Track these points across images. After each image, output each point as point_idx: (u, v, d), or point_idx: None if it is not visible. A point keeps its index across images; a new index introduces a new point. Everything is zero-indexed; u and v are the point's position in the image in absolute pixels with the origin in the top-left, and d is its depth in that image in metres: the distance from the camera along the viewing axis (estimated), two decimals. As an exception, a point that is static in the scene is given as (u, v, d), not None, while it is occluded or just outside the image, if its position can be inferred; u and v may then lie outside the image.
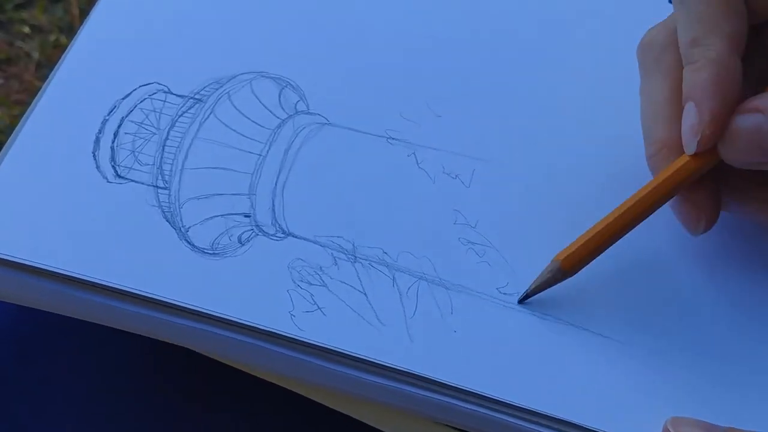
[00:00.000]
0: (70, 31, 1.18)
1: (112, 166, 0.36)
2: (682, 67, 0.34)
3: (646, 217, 0.34)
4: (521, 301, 0.35)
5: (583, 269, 0.35)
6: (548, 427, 0.32)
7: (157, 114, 0.38)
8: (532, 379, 0.33)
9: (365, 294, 0.34)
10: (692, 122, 0.33)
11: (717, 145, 0.33)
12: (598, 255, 0.34)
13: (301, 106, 0.39)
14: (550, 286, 0.34)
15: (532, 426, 0.32)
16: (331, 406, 0.36)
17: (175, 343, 0.34)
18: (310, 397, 0.36)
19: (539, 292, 0.35)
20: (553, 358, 0.33)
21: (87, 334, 0.40)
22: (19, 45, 1.18)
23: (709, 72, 0.33)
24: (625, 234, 0.34)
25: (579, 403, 0.32)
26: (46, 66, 1.15)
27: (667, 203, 0.35)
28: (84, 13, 1.19)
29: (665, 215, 0.37)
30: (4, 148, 0.36)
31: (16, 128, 0.37)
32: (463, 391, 0.32)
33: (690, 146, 0.33)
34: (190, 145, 0.37)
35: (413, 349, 0.33)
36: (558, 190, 0.38)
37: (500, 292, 0.35)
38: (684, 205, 0.35)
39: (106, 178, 0.36)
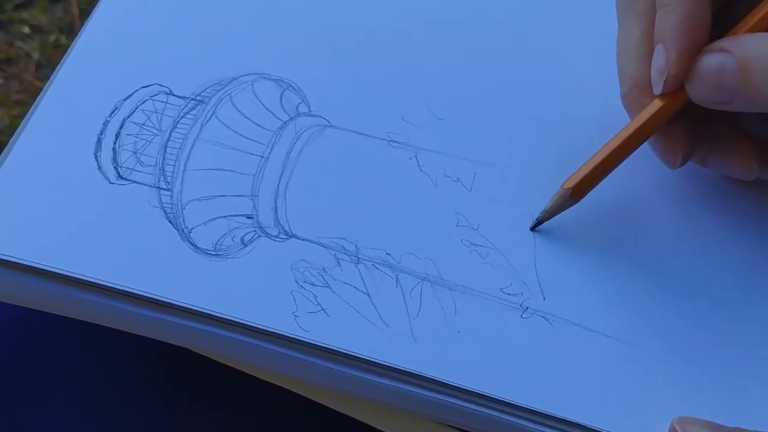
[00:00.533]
0: (70, 31, 1.18)
1: (114, 167, 0.36)
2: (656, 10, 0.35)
3: (631, 152, 0.36)
4: (533, 228, 0.36)
5: (585, 270, 0.35)
6: (552, 427, 0.32)
7: (159, 115, 0.38)
8: (536, 379, 0.33)
9: (368, 295, 0.34)
10: (660, 63, 0.34)
11: (685, 84, 0.34)
12: (597, 182, 0.36)
13: (303, 108, 0.39)
14: (560, 211, 0.36)
15: (537, 426, 0.32)
16: (334, 407, 0.36)
17: (178, 345, 0.34)
18: (313, 398, 0.36)
19: (550, 218, 0.36)
20: (557, 359, 0.33)
21: (87, 335, 0.40)
22: (19, 45, 1.18)
23: (678, 15, 0.34)
24: (616, 165, 0.36)
25: (583, 403, 0.32)
26: (46, 66, 1.15)
27: (646, 142, 0.36)
28: (84, 13, 1.19)
29: (668, 212, 0.37)
30: (5, 150, 0.36)
31: (18, 129, 0.37)
32: (467, 392, 0.32)
33: (657, 86, 0.35)
34: (192, 146, 0.37)
35: (417, 350, 0.33)
36: (557, 188, 0.38)
37: (504, 293, 0.35)
38: (660, 141, 0.36)
39: (108, 180, 0.36)
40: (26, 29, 1.20)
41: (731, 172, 0.37)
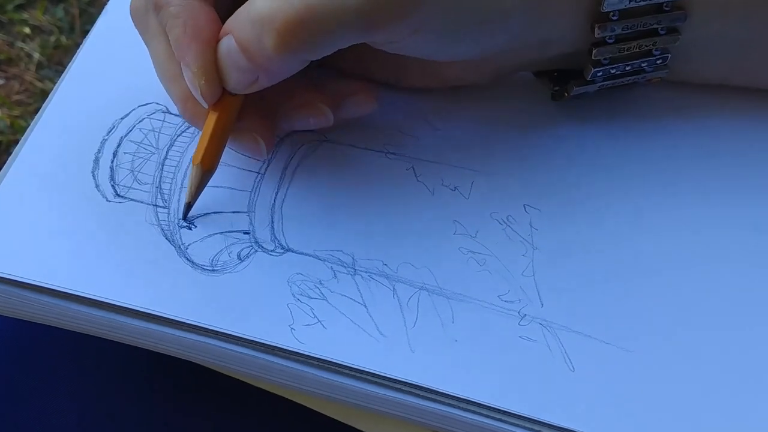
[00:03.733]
0: (71, 31, 1.17)
1: (112, 186, 0.36)
2: None
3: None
4: (185, 216, 0.36)
5: (583, 277, 0.35)
6: (551, 436, 0.32)
7: (156, 134, 0.38)
8: (534, 387, 0.33)
9: (365, 306, 0.34)
10: (189, 78, 0.34)
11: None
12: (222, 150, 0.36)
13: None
14: (202, 187, 0.36)
15: (535, 435, 0.32)
16: (332, 416, 0.36)
17: (176, 356, 0.34)
18: (312, 408, 0.36)
19: (196, 198, 0.36)
20: (555, 366, 0.33)
21: (86, 344, 0.40)
22: (20, 45, 1.18)
23: (177, 28, 0.34)
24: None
25: (582, 411, 0.32)
26: (46, 66, 1.15)
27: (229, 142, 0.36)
28: (84, 13, 1.19)
29: (667, 218, 0.37)
30: (4, 167, 0.36)
31: (16, 148, 0.37)
32: (465, 401, 0.32)
33: (202, 101, 0.34)
34: (189, 164, 0.37)
35: (414, 360, 0.33)
36: (558, 198, 0.38)
37: (502, 300, 0.35)
38: (238, 138, 0.36)
39: (106, 198, 0.36)
40: (27, 30, 1.20)
41: (307, 123, 0.37)
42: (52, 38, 1.18)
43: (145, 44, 0.37)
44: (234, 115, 0.35)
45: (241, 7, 0.33)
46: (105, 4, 0.43)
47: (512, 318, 0.34)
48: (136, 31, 0.37)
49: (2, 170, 0.36)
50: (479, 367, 0.33)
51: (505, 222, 0.37)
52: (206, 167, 0.35)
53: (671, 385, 0.33)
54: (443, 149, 0.39)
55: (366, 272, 0.35)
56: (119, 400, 0.40)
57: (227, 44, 0.34)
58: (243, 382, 0.36)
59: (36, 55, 1.17)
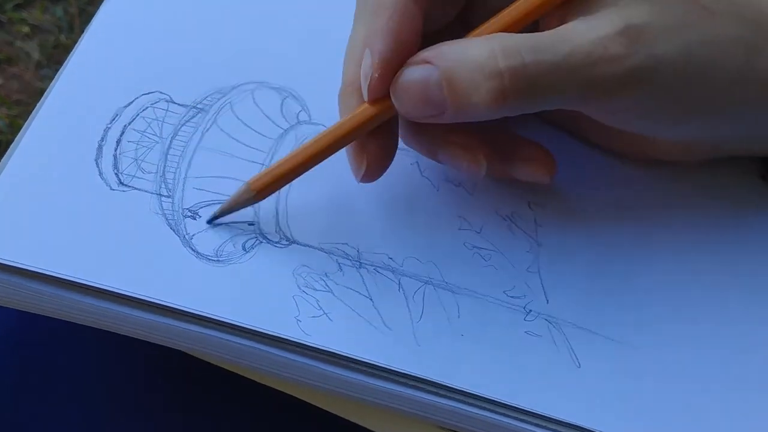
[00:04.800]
0: (70, 30, 1.18)
1: (115, 174, 0.36)
2: None
3: (328, 157, 0.35)
4: (210, 222, 0.35)
5: (588, 272, 0.35)
6: (556, 430, 0.32)
7: (160, 123, 0.38)
8: (539, 382, 0.33)
9: (371, 299, 0.34)
10: (366, 66, 0.33)
11: (392, 99, 0.33)
12: (284, 185, 0.35)
13: (303, 116, 0.39)
14: (240, 208, 0.35)
15: (540, 430, 0.32)
16: (336, 412, 0.36)
17: (180, 349, 0.34)
18: (315, 403, 0.36)
19: (228, 213, 0.35)
20: (560, 362, 0.33)
21: (88, 339, 0.40)
22: (19, 45, 1.18)
23: (382, 18, 0.33)
24: (308, 170, 0.35)
25: (587, 407, 0.32)
26: (46, 66, 1.16)
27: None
28: (84, 12, 1.19)
29: (672, 215, 0.37)
30: (5, 156, 0.36)
31: (18, 136, 0.37)
32: (471, 396, 0.32)
33: (364, 90, 0.34)
34: (193, 154, 0.37)
35: (420, 354, 0.33)
36: (562, 195, 0.38)
37: (507, 296, 0.35)
38: (352, 150, 0.35)
39: (110, 186, 0.36)
40: (26, 29, 1.20)
41: (460, 166, 0.35)
42: (52, 38, 1.18)
43: (353, 22, 0.36)
44: (373, 125, 0.34)
45: (453, 43, 0.33)
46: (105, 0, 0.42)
47: (518, 313, 0.34)
48: (139, 18, 0.36)
49: (4, 157, 0.36)
50: (485, 362, 0.33)
51: (509, 218, 0.37)
52: (258, 194, 0.35)
53: (677, 381, 0.33)
54: None
55: (371, 265, 0.35)
56: (121, 395, 0.40)
57: (426, 73, 0.32)
58: (246, 379, 0.36)
59: (35, 55, 1.17)
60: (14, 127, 1.08)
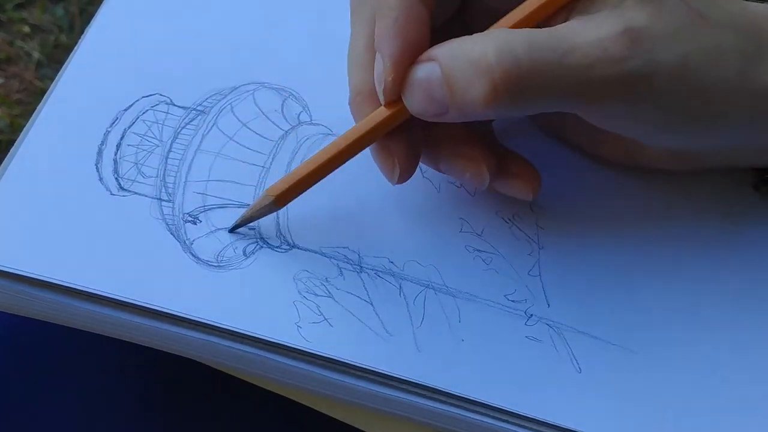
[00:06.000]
0: (71, 30, 1.17)
1: (116, 179, 0.36)
2: None
3: (345, 161, 0.34)
4: (232, 231, 0.35)
5: (589, 276, 0.35)
6: (557, 437, 0.32)
7: (160, 126, 0.38)
8: (541, 388, 0.33)
9: (372, 304, 0.34)
10: (378, 71, 0.33)
11: (402, 97, 0.33)
12: (303, 192, 0.35)
13: (304, 117, 0.38)
14: (260, 216, 0.35)
15: (542, 436, 0.32)
16: (337, 417, 0.36)
17: (180, 354, 0.34)
18: (316, 408, 0.36)
19: (249, 222, 0.35)
20: (562, 367, 0.33)
21: (86, 343, 0.40)
22: (20, 44, 1.18)
23: (388, 19, 0.33)
24: (326, 176, 0.34)
25: (590, 413, 0.32)
26: (46, 65, 1.15)
27: (369, 152, 0.35)
28: (84, 12, 1.19)
29: (675, 219, 0.37)
30: (5, 161, 0.36)
31: (17, 141, 0.37)
32: (471, 402, 0.32)
33: (381, 96, 0.33)
34: (193, 157, 0.37)
35: (421, 359, 0.33)
36: (565, 197, 0.38)
37: (508, 300, 0.34)
38: (379, 153, 0.35)
39: (110, 191, 0.36)
40: (26, 29, 1.19)
41: (462, 177, 0.35)
42: (52, 37, 1.18)
43: (351, 26, 0.35)
44: (391, 127, 0.34)
45: (457, 40, 0.32)
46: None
47: (519, 318, 0.34)
48: (137, 20, 0.36)
49: (4, 162, 0.36)
50: (486, 368, 0.33)
51: (510, 220, 0.37)
52: (278, 202, 0.34)
53: (678, 386, 0.33)
54: None
55: (372, 270, 0.35)
56: (122, 400, 0.40)
57: (430, 70, 0.32)
58: (247, 382, 0.36)
59: (36, 54, 1.16)
60: (14, 126, 1.08)
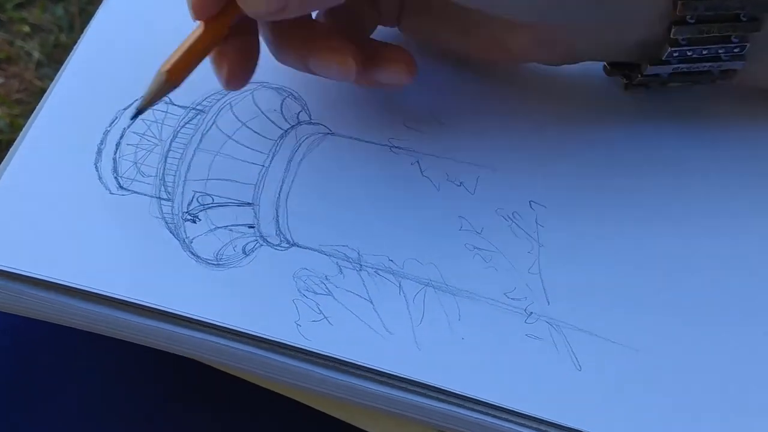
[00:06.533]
0: (71, 30, 1.17)
1: (115, 178, 0.36)
2: None
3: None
4: (134, 117, 0.34)
5: (589, 274, 0.35)
6: (558, 435, 0.32)
7: (159, 125, 0.38)
8: (541, 386, 0.33)
9: (371, 302, 0.34)
10: None
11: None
12: (193, 66, 0.34)
13: (304, 117, 0.38)
14: (159, 98, 0.34)
15: (542, 434, 0.32)
16: (336, 416, 0.36)
17: (180, 354, 0.34)
18: (315, 407, 0.36)
19: (150, 105, 0.34)
20: (561, 365, 0.33)
21: (87, 343, 0.40)
22: (20, 44, 1.18)
23: None
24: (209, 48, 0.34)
25: (589, 411, 0.32)
26: (46, 65, 1.15)
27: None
28: (84, 12, 1.19)
29: (675, 215, 0.37)
30: (5, 160, 0.36)
31: (16, 141, 0.37)
32: (472, 400, 0.32)
33: (192, 13, 0.34)
34: (193, 156, 0.37)
35: (421, 357, 0.33)
36: (564, 194, 0.37)
37: (508, 297, 0.34)
38: (212, 59, 0.35)
39: (109, 190, 0.36)
40: (26, 28, 1.20)
41: (330, 71, 0.35)
42: (52, 37, 1.18)
43: None
44: (221, 38, 0.34)
45: None
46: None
47: (518, 316, 0.34)
48: (136, 20, 0.36)
49: (3, 161, 0.36)
50: (486, 366, 0.33)
51: (510, 218, 0.37)
52: (172, 79, 0.34)
53: (678, 384, 0.33)
54: (448, 144, 0.38)
55: (372, 268, 0.35)
56: (122, 399, 0.40)
57: None
58: (247, 381, 0.36)
59: (36, 54, 1.16)
60: (14, 126, 1.08)
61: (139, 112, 0.34)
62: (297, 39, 0.35)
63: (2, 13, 1.21)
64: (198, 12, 0.33)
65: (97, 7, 0.41)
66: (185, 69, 0.34)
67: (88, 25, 0.40)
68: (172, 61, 0.33)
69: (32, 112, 0.38)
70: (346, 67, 0.35)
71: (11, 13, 1.21)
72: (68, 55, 0.40)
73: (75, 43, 0.40)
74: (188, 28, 0.39)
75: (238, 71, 0.35)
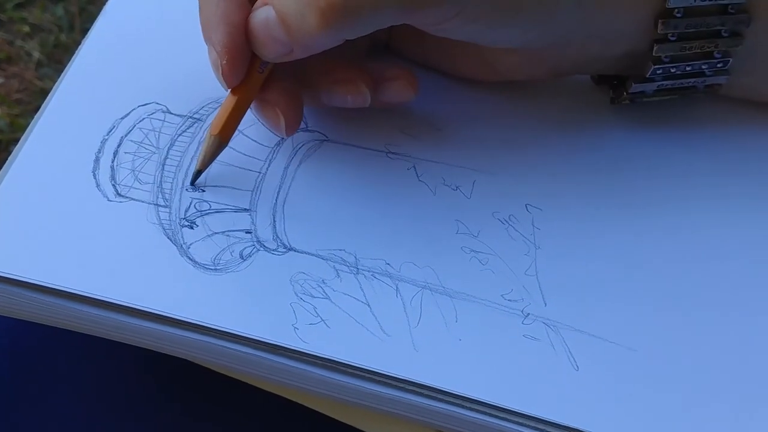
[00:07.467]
0: (71, 30, 1.17)
1: (113, 185, 0.36)
2: None
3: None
4: (193, 182, 0.37)
5: (586, 275, 0.35)
6: (555, 435, 0.32)
7: (156, 133, 0.38)
8: (538, 386, 0.33)
9: (368, 305, 0.34)
10: (213, 59, 0.35)
11: (251, 46, 0.35)
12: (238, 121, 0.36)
13: (300, 124, 0.39)
14: (214, 158, 0.36)
15: (539, 434, 0.32)
16: (335, 417, 0.36)
17: (178, 356, 0.34)
18: (315, 408, 0.36)
19: (206, 167, 0.36)
20: (559, 365, 0.33)
21: (85, 346, 0.40)
22: (20, 44, 1.18)
23: (211, 7, 0.35)
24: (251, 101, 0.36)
25: (587, 411, 0.32)
26: (46, 65, 1.15)
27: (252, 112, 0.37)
28: (84, 12, 1.19)
29: (670, 216, 0.37)
30: (3, 168, 0.36)
31: (15, 149, 0.37)
32: (469, 400, 0.32)
33: (223, 83, 0.35)
34: (190, 164, 0.37)
35: (418, 359, 0.33)
36: (560, 197, 0.38)
37: (505, 299, 0.35)
38: (261, 109, 0.36)
39: (107, 197, 0.36)
40: (26, 28, 1.19)
41: (345, 101, 0.37)
42: (52, 37, 1.18)
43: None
44: (256, 91, 0.36)
45: None
46: (105, 2, 0.42)
47: (516, 317, 0.34)
48: (135, 30, 0.36)
49: (2, 169, 0.36)
50: (483, 366, 0.33)
51: (506, 221, 0.37)
52: (223, 139, 0.36)
53: (675, 384, 0.33)
54: (444, 149, 0.38)
55: (369, 271, 0.35)
56: (119, 401, 0.40)
57: (266, 14, 0.34)
58: (245, 383, 0.36)
59: (36, 54, 1.16)
60: (14, 126, 1.08)
61: (198, 173, 0.36)
62: (308, 79, 0.37)
63: (2, 13, 1.21)
64: (231, 81, 0.35)
65: (97, 7, 0.42)
66: (232, 127, 0.36)
67: (88, 33, 0.40)
68: (220, 124, 0.35)
69: (32, 112, 0.38)
70: (361, 96, 0.36)
71: (11, 13, 1.21)
72: (68, 55, 0.40)
73: (75, 42, 0.40)
74: (187, 40, 0.40)
75: (291, 117, 0.36)
